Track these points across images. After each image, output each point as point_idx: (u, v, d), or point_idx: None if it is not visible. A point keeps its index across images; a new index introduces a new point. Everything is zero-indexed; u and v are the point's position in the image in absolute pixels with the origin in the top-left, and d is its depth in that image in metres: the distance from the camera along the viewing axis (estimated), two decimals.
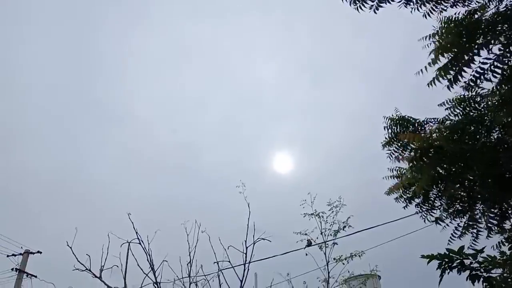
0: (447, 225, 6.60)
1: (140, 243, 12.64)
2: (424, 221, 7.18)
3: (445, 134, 5.47)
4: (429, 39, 5.55)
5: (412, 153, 5.42)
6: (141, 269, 12.32)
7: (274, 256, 12.17)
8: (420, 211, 7.03)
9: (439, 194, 6.47)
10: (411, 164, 5.41)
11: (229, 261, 12.09)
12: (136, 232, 12.63)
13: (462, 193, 5.80)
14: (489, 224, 5.69)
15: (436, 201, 6.72)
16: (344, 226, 13.51)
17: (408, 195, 7.03)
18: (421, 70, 5.11)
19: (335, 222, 13.79)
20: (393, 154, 6.82)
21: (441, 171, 5.20)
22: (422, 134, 6.59)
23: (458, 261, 5.82)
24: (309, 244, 13.29)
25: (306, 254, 13.20)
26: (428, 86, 4.93)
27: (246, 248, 12.28)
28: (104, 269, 12.13)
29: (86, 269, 12.12)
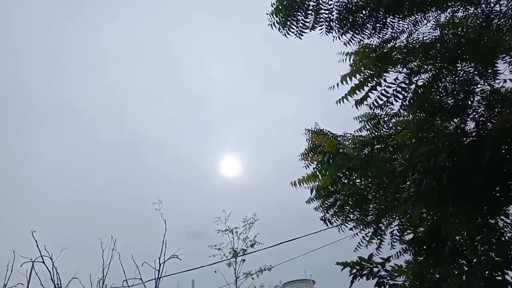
0: (356, 234, 7.01)
1: (43, 262, 11.60)
2: (338, 231, 7.52)
3: (356, 146, 5.79)
4: (346, 55, 5.78)
5: (321, 156, 5.64)
6: None
7: (186, 270, 11.98)
8: (336, 221, 7.33)
9: (354, 205, 6.82)
10: (318, 164, 5.63)
11: (141, 279, 11.92)
12: (40, 251, 11.82)
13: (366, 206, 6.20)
14: (393, 237, 6.19)
15: (350, 213, 7.07)
16: (253, 244, 13.79)
17: (326, 204, 7.31)
18: (333, 86, 5.30)
19: (248, 238, 14.02)
20: (308, 163, 7.00)
21: (341, 175, 5.49)
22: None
23: (368, 269, 6.18)
24: (235, 254, 13.28)
25: (216, 272, 13.22)
26: (337, 103, 5.15)
27: (159, 265, 12.29)
28: None
29: None
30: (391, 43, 6.50)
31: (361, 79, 5.15)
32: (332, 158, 5.14)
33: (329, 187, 5.92)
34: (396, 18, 6.24)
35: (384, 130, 6.66)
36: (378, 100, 5.07)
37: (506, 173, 4.39)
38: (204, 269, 12.96)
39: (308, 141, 7.90)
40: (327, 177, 5.26)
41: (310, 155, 7.49)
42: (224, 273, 13.58)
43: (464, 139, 4.92)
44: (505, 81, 5.15)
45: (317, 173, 5.34)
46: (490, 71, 5.05)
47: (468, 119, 5.11)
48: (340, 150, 5.45)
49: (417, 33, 6.82)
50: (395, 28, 6.33)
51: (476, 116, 5.03)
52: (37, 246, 11.83)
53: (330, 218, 7.09)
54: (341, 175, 5.34)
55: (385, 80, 5.05)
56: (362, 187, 5.50)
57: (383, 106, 5.23)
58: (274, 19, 6.15)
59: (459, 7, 6.48)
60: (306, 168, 6.68)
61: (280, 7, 6.16)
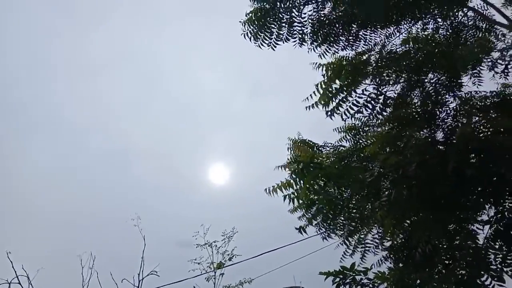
0: (340, 243, 7.10)
1: (19, 283, 11.51)
2: (323, 240, 7.61)
3: (333, 160, 5.92)
4: (319, 66, 5.89)
5: (295, 165, 5.74)
6: None
7: (165, 285, 11.94)
8: (319, 230, 7.42)
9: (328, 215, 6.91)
10: (292, 173, 5.73)
11: None
12: (15, 272, 11.82)
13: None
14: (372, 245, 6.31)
15: (334, 222, 7.15)
16: (231, 257, 13.78)
17: (309, 215, 7.40)
18: (307, 98, 5.43)
19: (227, 252, 14.00)
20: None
21: (316, 185, 5.60)
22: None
23: (351, 277, 6.26)
24: (220, 266, 13.27)
25: (194, 287, 13.15)
26: (307, 109, 5.29)
27: (139, 281, 12.25)
28: None
29: None
30: (365, 55, 6.71)
31: (333, 90, 5.30)
32: (306, 167, 5.26)
33: (309, 196, 6.01)
34: (368, 31, 6.47)
35: (362, 140, 6.82)
36: (349, 109, 5.23)
37: (470, 180, 4.53)
38: (192, 280, 12.92)
39: (289, 150, 8.04)
40: (303, 188, 5.37)
41: (296, 154, 7.61)
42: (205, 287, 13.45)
43: (434, 148, 5.07)
44: (470, 92, 5.35)
45: (291, 181, 5.44)
46: (455, 83, 5.24)
47: (437, 129, 5.28)
48: (315, 160, 5.57)
49: (390, 45, 7.06)
50: (367, 41, 6.56)
51: (444, 126, 5.20)
52: (13, 267, 11.78)
53: (317, 228, 7.17)
54: (316, 185, 5.45)
55: (355, 91, 5.22)
56: (338, 196, 5.61)
57: (354, 116, 5.37)
58: (247, 30, 6.31)
59: (429, 19, 6.74)
60: (283, 170, 6.73)
61: (254, 18, 6.32)
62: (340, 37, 6.39)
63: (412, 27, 6.76)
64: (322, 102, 5.17)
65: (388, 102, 5.28)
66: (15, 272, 11.84)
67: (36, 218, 19.30)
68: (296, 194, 5.41)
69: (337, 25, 6.30)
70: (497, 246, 5.17)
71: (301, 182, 5.17)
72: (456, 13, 6.61)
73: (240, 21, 6.29)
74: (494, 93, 5.66)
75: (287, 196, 5.48)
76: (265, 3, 6.27)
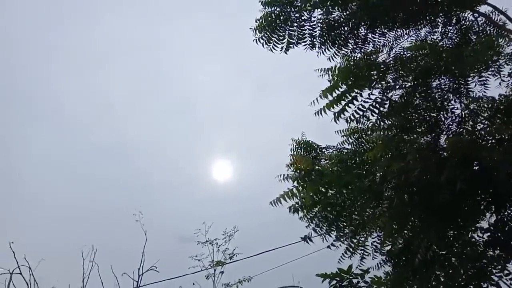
0: (339, 245, 7.11)
1: (20, 274, 11.72)
2: (322, 240, 7.62)
3: (333, 162, 5.92)
4: (325, 72, 5.85)
5: (297, 173, 5.74)
6: None
7: (165, 280, 12.09)
8: (319, 232, 7.43)
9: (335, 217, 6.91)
10: (295, 182, 5.74)
11: None
12: (17, 262, 12.20)
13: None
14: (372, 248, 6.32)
15: (333, 225, 7.15)
16: (232, 256, 13.86)
17: (310, 215, 7.41)
18: (313, 101, 5.41)
19: (228, 250, 14.09)
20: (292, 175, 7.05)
21: (321, 189, 5.60)
22: (319, 160, 7.08)
23: (348, 280, 6.27)
24: (220, 264, 13.37)
25: (194, 284, 13.25)
26: (315, 115, 5.29)
27: (139, 276, 12.48)
28: None
29: None
30: (373, 57, 6.67)
31: (339, 94, 5.27)
32: (307, 175, 5.27)
33: (311, 202, 6.01)
34: (376, 35, 6.43)
35: (364, 144, 6.80)
36: (355, 114, 5.22)
37: (471, 187, 4.51)
38: (191, 277, 13.03)
39: (292, 151, 8.02)
40: (307, 195, 5.39)
41: (295, 165, 7.60)
42: (204, 285, 13.55)
43: (436, 154, 5.05)
44: (477, 98, 5.30)
45: (295, 190, 5.45)
46: (462, 87, 5.19)
47: (441, 135, 5.25)
48: (316, 167, 5.58)
49: (399, 47, 7.00)
50: (376, 43, 6.52)
51: (449, 132, 5.17)
52: (15, 257, 12.04)
53: (315, 228, 7.17)
54: (318, 192, 5.46)
55: (361, 95, 5.21)
56: (339, 202, 5.61)
57: (360, 120, 5.36)
58: (258, 35, 6.35)
59: (438, 23, 6.68)
60: (286, 181, 6.71)
61: (264, 23, 6.35)
62: (349, 40, 6.37)
63: (421, 31, 6.70)
64: (330, 107, 5.15)
65: (393, 106, 5.25)
66: (17, 262, 12.11)
67: (38, 210, 19.54)
68: (299, 203, 5.44)
69: (345, 28, 6.28)
70: (496, 254, 5.16)
71: (304, 190, 5.19)
72: (464, 17, 6.54)
73: (250, 28, 6.34)
74: (503, 96, 5.54)
75: (292, 207, 5.51)
76: (275, 7, 6.28)
